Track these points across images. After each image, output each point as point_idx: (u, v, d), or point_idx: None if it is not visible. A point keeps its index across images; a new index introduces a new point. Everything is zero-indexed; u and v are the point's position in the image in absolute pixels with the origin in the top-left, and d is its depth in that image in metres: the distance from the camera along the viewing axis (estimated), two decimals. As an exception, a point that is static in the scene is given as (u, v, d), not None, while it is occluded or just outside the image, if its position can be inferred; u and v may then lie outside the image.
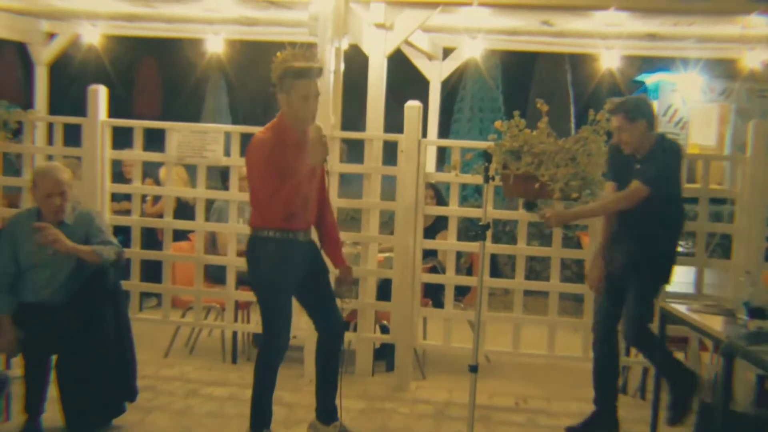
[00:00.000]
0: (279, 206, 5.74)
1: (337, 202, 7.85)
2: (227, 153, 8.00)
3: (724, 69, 18.58)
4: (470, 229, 11.18)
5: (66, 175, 6.20)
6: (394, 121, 8.09)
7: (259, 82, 19.78)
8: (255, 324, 8.05)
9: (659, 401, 5.96)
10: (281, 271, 5.93)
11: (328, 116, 7.58)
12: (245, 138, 7.96)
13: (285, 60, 6.11)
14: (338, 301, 6.24)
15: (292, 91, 5.80)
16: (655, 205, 6.28)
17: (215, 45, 11.32)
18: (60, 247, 5.88)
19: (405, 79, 14.00)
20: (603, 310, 6.70)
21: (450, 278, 7.73)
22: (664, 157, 6.41)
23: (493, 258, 8.70)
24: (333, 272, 6.35)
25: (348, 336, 7.93)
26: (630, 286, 6.38)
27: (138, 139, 8.19)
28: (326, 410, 6.32)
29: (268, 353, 6.15)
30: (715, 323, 5.16)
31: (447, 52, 11.45)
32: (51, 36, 10.96)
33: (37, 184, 6.12)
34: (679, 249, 9.47)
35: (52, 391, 6.01)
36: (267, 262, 5.92)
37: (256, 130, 8.03)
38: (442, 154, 16.36)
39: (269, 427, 6.15)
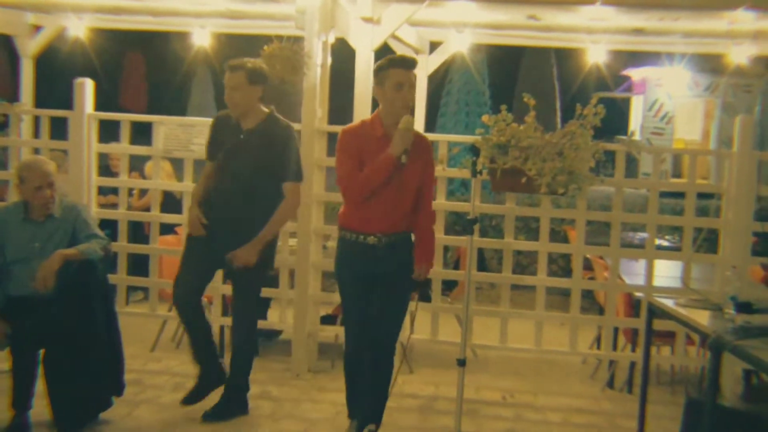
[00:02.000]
0: (351, 193, 5.85)
1: (323, 195, 7.86)
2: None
3: (710, 64, 18.67)
4: (457, 224, 11.23)
5: (51, 167, 6.19)
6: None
7: (246, 75, 19.71)
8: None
9: (646, 395, 5.96)
10: (344, 275, 6.06)
11: (314, 109, 7.58)
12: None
13: (273, 54, 6.21)
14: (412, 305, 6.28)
15: (386, 80, 5.79)
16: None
17: (202, 38, 11.28)
18: (50, 272, 5.84)
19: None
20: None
21: (437, 272, 7.73)
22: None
23: (480, 252, 8.71)
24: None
25: (335, 330, 7.95)
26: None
27: (125, 132, 8.17)
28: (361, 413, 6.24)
29: (345, 358, 6.25)
30: (702, 318, 5.16)
31: (434, 46, 11.43)
32: (37, 28, 10.90)
33: (24, 179, 6.09)
34: (666, 243, 9.57)
35: (40, 386, 5.99)
36: (336, 262, 6.08)
37: (243, 123, 8.04)
38: (429, 148, 16.35)
39: (356, 418, 6.21)
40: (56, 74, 19.94)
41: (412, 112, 6.10)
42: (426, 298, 7.98)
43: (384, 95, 5.82)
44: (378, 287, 5.99)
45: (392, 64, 5.80)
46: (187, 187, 8.07)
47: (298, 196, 6.52)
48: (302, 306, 7.76)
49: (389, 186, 5.77)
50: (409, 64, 5.87)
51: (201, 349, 6.67)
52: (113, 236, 7.96)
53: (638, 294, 7.51)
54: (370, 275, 5.94)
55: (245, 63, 6.36)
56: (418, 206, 5.99)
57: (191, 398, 6.62)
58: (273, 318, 8.54)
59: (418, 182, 5.92)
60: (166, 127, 8.07)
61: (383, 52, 7.92)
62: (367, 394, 6.16)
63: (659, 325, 6.59)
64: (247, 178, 6.32)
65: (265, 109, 6.46)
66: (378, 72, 5.84)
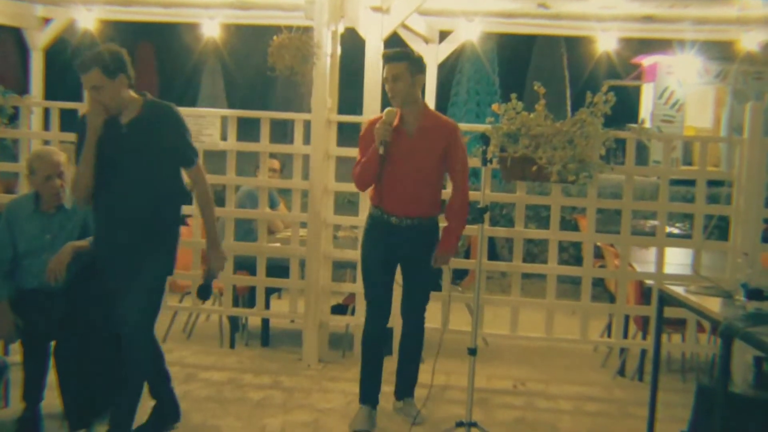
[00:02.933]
0: (354, 180, 6.32)
1: (334, 185, 7.86)
2: (224, 137, 7.99)
3: (721, 51, 18.58)
4: (468, 212, 11.22)
5: (61, 157, 6.18)
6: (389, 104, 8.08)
7: (256, 66, 19.80)
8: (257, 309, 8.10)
9: (657, 383, 5.96)
10: (366, 249, 6.45)
11: (324, 99, 7.58)
12: (242, 122, 7.97)
13: (282, 44, 6.21)
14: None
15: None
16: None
17: (211, 29, 11.26)
18: (61, 264, 5.85)
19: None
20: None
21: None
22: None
23: (491, 241, 8.71)
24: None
25: (346, 319, 7.96)
26: None
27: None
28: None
29: (364, 329, 6.58)
30: (713, 305, 5.15)
31: (443, 36, 11.41)
32: (46, 21, 10.90)
33: (34, 169, 6.09)
34: (676, 231, 9.55)
35: (51, 378, 6.00)
36: (362, 237, 6.52)
37: (252, 114, 8.07)
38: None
39: (368, 403, 6.46)
40: (66, 66, 19.98)
41: (397, 102, 6.21)
42: (436, 286, 7.99)
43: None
44: (403, 269, 6.40)
45: (383, 59, 6.27)
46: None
47: (205, 176, 5.86)
48: (313, 296, 7.76)
49: (400, 170, 6.10)
50: (386, 57, 6.24)
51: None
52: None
53: (649, 282, 7.50)
54: (391, 254, 6.28)
55: (98, 56, 5.53)
56: (455, 186, 6.33)
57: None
58: (284, 308, 8.55)
59: (436, 166, 6.18)
60: (175, 118, 8.05)
61: (393, 41, 7.92)
62: (400, 371, 6.71)
63: (670, 312, 6.59)
64: (145, 173, 5.57)
65: (138, 96, 5.65)
66: None
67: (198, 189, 5.87)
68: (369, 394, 6.46)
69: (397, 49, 6.36)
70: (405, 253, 6.29)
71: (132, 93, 5.62)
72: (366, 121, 6.38)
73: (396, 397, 6.71)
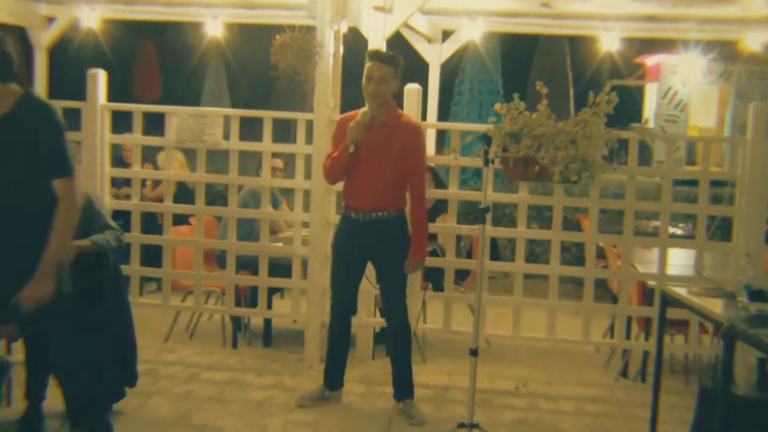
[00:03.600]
0: (323, 175, 6.67)
1: (336, 185, 7.85)
2: (227, 137, 7.99)
3: (724, 51, 18.56)
4: (470, 213, 11.20)
5: None
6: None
7: (259, 65, 19.80)
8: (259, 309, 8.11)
9: (660, 384, 5.95)
10: (335, 245, 6.68)
11: (327, 99, 7.57)
12: (245, 122, 7.98)
13: (285, 43, 6.23)
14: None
15: (363, 71, 6.31)
16: None
17: (214, 28, 11.28)
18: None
19: (404, 61, 13.98)
20: None
21: (450, 262, 7.73)
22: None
23: (493, 241, 8.70)
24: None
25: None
26: None
27: (137, 123, 8.18)
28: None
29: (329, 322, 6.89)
30: (716, 306, 5.14)
31: (446, 35, 11.41)
32: (50, 20, 10.91)
33: None
34: (679, 231, 9.54)
35: (53, 377, 6.00)
36: (333, 234, 6.76)
37: (255, 113, 8.08)
38: (442, 137, 16.36)
39: (327, 386, 6.83)
40: (69, 65, 19.95)
41: (375, 102, 6.32)
42: (438, 287, 7.99)
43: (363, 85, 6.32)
44: (375, 267, 6.64)
45: (366, 56, 6.34)
46: (200, 177, 8.09)
47: (74, 195, 4.96)
48: (315, 296, 7.76)
49: (364, 166, 6.33)
50: (377, 57, 6.34)
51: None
52: (126, 227, 7.97)
53: (651, 282, 7.49)
54: (358, 251, 6.52)
55: None
56: (410, 191, 6.48)
57: None
58: (286, 308, 8.55)
59: (396, 164, 6.35)
60: (178, 117, 8.07)
61: (396, 40, 7.92)
62: (394, 373, 6.73)
63: (673, 313, 6.57)
64: (7, 179, 4.88)
65: (19, 89, 4.95)
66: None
67: (61, 206, 4.90)
68: (327, 378, 6.82)
69: (388, 52, 6.58)
70: (373, 251, 6.50)
71: (13, 86, 4.93)
72: (339, 117, 6.58)
73: (395, 399, 6.72)
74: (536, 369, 8.00)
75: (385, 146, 6.30)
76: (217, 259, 8.63)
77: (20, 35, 10.40)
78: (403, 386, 6.68)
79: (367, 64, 6.29)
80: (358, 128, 6.23)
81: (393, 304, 6.60)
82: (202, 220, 8.12)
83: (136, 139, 8.25)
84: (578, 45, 22.67)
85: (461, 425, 6.03)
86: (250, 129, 8.70)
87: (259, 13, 10.72)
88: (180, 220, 8.69)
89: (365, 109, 6.29)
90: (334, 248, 6.70)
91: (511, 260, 8.21)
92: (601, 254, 8.44)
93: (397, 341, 6.68)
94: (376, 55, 6.34)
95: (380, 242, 6.42)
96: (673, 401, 6.75)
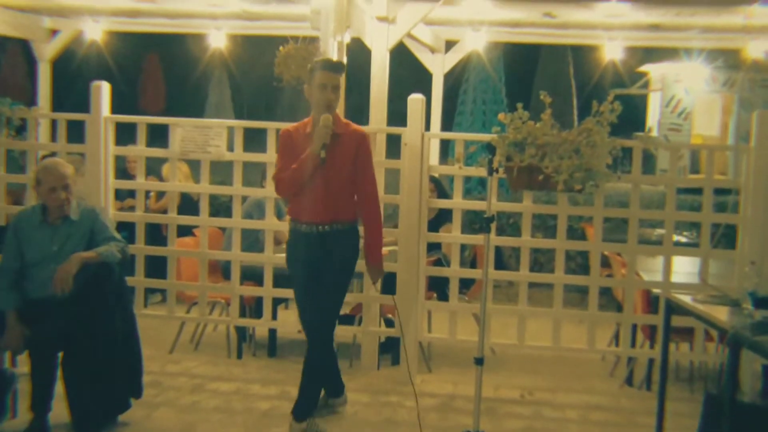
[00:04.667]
0: (279, 188, 6.33)
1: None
2: (231, 148, 8.00)
3: (727, 59, 18.58)
4: (475, 222, 11.22)
5: (68, 169, 6.21)
6: (397, 114, 8.09)
7: (262, 76, 19.87)
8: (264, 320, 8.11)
9: (665, 392, 5.95)
10: (289, 261, 6.40)
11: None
12: (248, 133, 7.99)
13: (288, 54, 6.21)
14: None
15: (313, 80, 6.13)
16: None
17: (218, 40, 11.32)
18: (69, 275, 5.85)
19: (408, 72, 14.01)
20: None
21: (455, 271, 7.73)
22: None
23: (498, 250, 8.71)
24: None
25: (353, 330, 7.96)
26: None
27: (141, 134, 8.19)
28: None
29: None
30: (721, 314, 5.15)
31: (450, 45, 11.44)
32: (53, 33, 10.97)
33: (40, 180, 6.13)
34: (684, 239, 9.54)
35: (59, 389, 6.01)
36: (287, 251, 6.44)
37: (258, 124, 8.09)
38: (446, 147, 16.37)
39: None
40: (73, 78, 20.03)
41: (331, 110, 6.17)
42: (443, 296, 8.00)
43: (312, 94, 6.20)
44: (318, 273, 6.30)
45: (320, 66, 6.20)
46: (204, 188, 8.10)
47: None
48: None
49: (315, 178, 6.12)
50: (333, 67, 6.25)
51: None
52: (131, 239, 7.98)
53: (656, 290, 7.48)
54: (308, 262, 6.25)
55: None
56: (362, 198, 6.36)
57: None
58: (291, 318, 8.55)
59: (348, 173, 6.23)
60: (182, 129, 8.08)
61: (399, 51, 7.94)
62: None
63: (678, 321, 6.57)
64: None
65: None
66: (309, 72, 6.22)
67: None
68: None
69: (340, 61, 6.58)
70: (318, 259, 6.23)
71: None
72: (283, 131, 6.36)
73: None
74: (541, 377, 7.99)
75: (337, 155, 6.15)
76: (222, 270, 8.63)
77: (24, 48, 10.42)
78: (302, 402, 6.40)
79: (323, 73, 6.12)
80: (326, 132, 6.03)
81: (321, 320, 6.33)
82: (206, 231, 8.13)
83: (140, 150, 8.26)
84: (581, 54, 22.71)
85: (467, 434, 6.03)
86: (254, 140, 8.72)
87: (262, 24, 10.75)
88: (184, 231, 8.69)
89: (326, 115, 6.05)
90: (288, 265, 6.45)
91: (515, 269, 8.22)
92: (605, 263, 8.44)
93: (313, 356, 6.36)
94: (333, 66, 6.24)
95: (330, 254, 6.22)
96: (678, 409, 6.73)
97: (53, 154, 8.23)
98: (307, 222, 6.20)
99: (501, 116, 7.10)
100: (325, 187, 6.14)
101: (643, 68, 22.06)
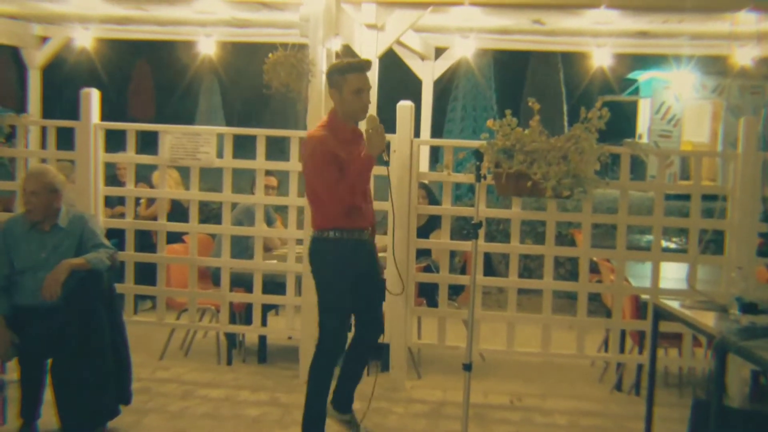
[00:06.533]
0: (338, 201, 5.80)
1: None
2: (220, 155, 8.01)
3: (717, 66, 18.64)
4: (464, 228, 11.24)
5: (48, 177, 6.17)
6: (387, 121, 8.11)
7: (252, 83, 19.87)
8: (254, 326, 8.12)
9: (654, 397, 5.96)
10: (341, 273, 5.95)
11: (320, 116, 7.57)
12: (238, 139, 8.01)
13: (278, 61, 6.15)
14: None
15: (344, 85, 5.83)
16: None
17: (207, 47, 11.32)
18: (58, 282, 5.85)
19: (398, 79, 14.04)
20: None
21: (444, 277, 7.74)
22: None
23: (487, 256, 8.72)
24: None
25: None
26: None
27: (131, 141, 8.20)
28: (345, 400, 6.41)
29: (325, 357, 6.04)
30: (708, 319, 5.16)
31: (439, 52, 11.45)
32: (43, 40, 10.96)
33: (23, 185, 6.18)
34: (672, 246, 9.57)
35: (48, 395, 6.01)
36: (329, 263, 5.96)
37: (248, 131, 8.09)
38: (436, 154, 16.40)
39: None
40: (63, 85, 20.02)
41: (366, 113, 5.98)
42: (432, 303, 8.00)
43: (343, 99, 5.87)
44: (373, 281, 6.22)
45: (350, 68, 5.86)
46: (194, 195, 8.10)
47: None
48: (310, 312, 7.75)
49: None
50: (366, 67, 5.97)
51: None
52: (120, 245, 7.99)
53: (645, 296, 7.50)
54: (367, 270, 6.12)
55: None
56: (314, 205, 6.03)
57: None
58: (281, 325, 8.56)
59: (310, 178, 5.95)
60: (171, 136, 8.09)
61: (388, 58, 7.95)
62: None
63: (666, 327, 6.60)
64: None
65: None
66: (334, 76, 5.91)
67: None
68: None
69: (368, 59, 6.27)
70: (373, 266, 6.21)
71: None
72: (320, 143, 5.78)
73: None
74: (531, 383, 8.00)
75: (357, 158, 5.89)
76: (212, 277, 8.64)
77: (14, 55, 10.43)
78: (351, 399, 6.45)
79: (358, 77, 5.84)
80: (383, 134, 5.74)
81: (380, 323, 6.40)
82: (195, 238, 8.14)
83: (129, 157, 8.26)
84: (571, 61, 22.77)
85: (456, 440, 6.04)
86: (244, 147, 8.73)
87: (251, 31, 10.76)
88: (174, 238, 8.69)
89: (372, 116, 5.81)
90: (342, 282, 5.95)
91: (505, 275, 8.23)
92: (594, 269, 8.46)
93: (368, 354, 6.44)
94: (362, 66, 5.95)
95: (375, 258, 6.27)
96: (667, 414, 6.74)
97: (44, 161, 8.24)
98: (364, 228, 6.01)
99: (490, 123, 7.12)
100: (366, 191, 6.10)
101: (632, 75, 22.15)
